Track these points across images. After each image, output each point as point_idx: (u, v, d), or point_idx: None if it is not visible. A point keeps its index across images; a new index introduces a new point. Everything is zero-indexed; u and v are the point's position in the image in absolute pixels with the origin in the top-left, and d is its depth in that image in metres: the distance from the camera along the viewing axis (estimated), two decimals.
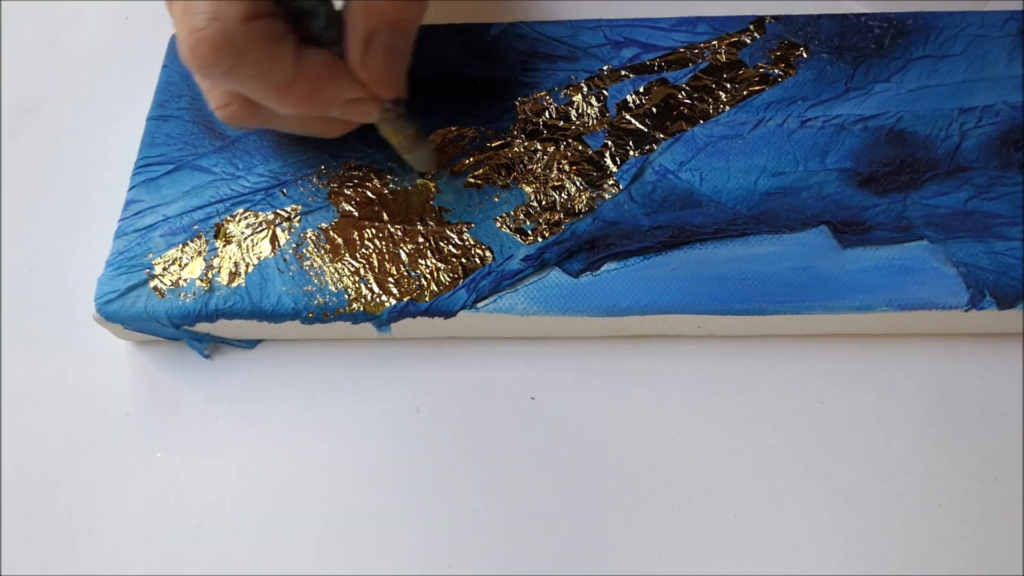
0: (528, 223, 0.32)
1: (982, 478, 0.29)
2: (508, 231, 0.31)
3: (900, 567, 0.28)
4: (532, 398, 0.31)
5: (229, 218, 0.33)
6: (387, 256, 0.31)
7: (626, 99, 0.34)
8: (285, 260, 0.32)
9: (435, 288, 0.31)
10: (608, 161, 0.33)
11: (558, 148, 0.33)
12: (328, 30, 0.27)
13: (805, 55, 0.35)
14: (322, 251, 0.32)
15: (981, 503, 0.29)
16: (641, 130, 0.33)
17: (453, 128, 0.34)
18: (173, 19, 0.27)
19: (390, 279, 0.31)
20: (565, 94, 0.34)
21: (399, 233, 0.32)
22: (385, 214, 0.32)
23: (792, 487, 0.29)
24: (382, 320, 0.31)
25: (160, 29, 0.40)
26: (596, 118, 0.34)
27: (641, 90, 0.34)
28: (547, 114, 0.34)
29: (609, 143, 0.33)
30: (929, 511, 0.29)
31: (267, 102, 0.28)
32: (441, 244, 0.31)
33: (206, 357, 0.33)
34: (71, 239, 0.36)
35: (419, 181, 0.33)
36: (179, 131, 0.35)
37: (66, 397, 0.32)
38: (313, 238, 0.32)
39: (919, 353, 0.31)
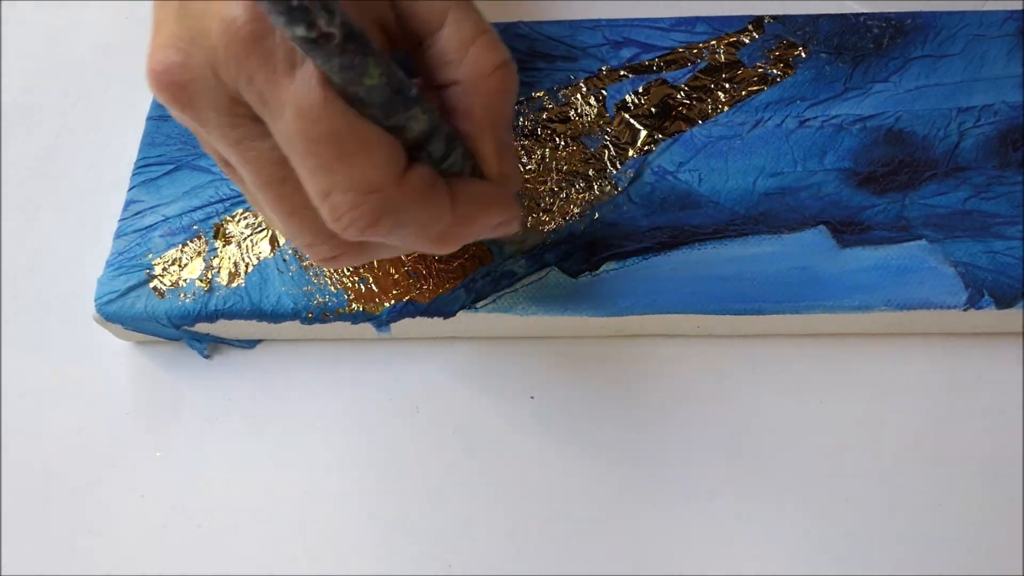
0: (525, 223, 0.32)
1: (982, 478, 0.29)
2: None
3: (900, 567, 0.28)
4: (532, 397, 0.31)
5: (229, 218, 0.33)
6: (386, 256, 0.31)
7: (625, 99, 0.34)
8: (285, 260, 0.32)
9: (434, 288, 0.31)
10: (607, 162, 0.33)
11: (556, 149, 0.33)
12: (449, 151, 0.23)
13: (804, 55, 0.35)
14: None
15: (981, 503, 0.29)
16: (640, 130, 0.33)
17: None
18: (289, 217, 0.23)
19: (390, 279, 0.31)
20: (564, 94, 0.34)
21: None
22: None
23: (792, 487, 0.29)
24: (381, 320, 0.31)
25: None
26: (595, 118, 0.34)
27: (640, 90, 0.34)
28: (545, 114, 0.34)
29: (608, 144, 0.33)
30: (929, 511, 0.29)
31: (421, 250, 0.25)
32: None
33: (206, 357, 0.33)
34: (71, 239, 0.36)
35: None
36: (179, 131, 0.35)
37: (66, 397, 0.32)
38: None
39: (918, 352, 0.31)
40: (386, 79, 0.20)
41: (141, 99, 0.37)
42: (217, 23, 0.20)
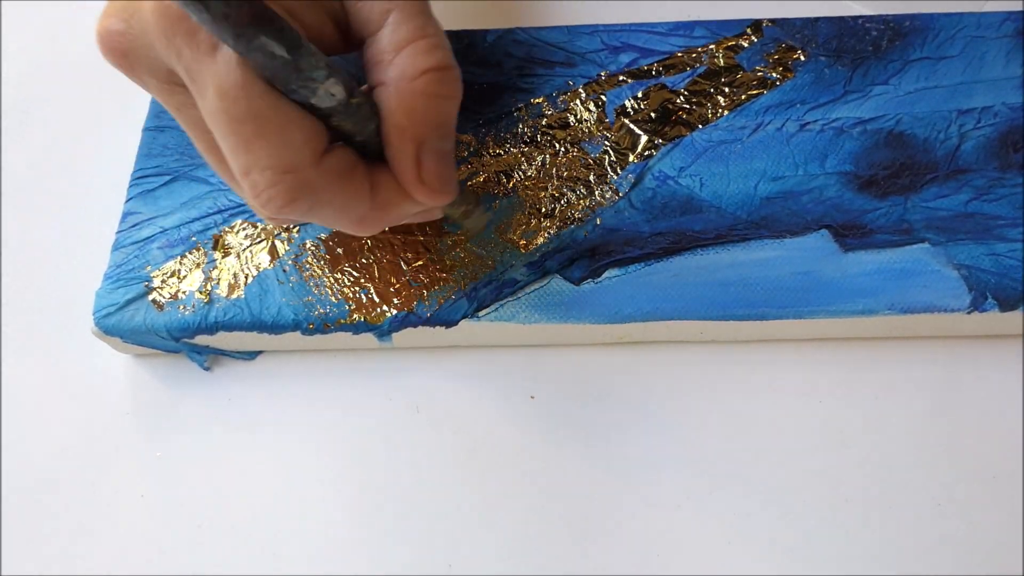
0: (528, 231, 0.31)
1: (982, 478, 0.29)
2: (508, 239, 0.31)
3: (900, 567, 0.28)
4: (532, 397, 0.31)
5: (227, 229, 0.32)
6: (387, 266, 0.31)
7: (624, 104, 0.34)
8: (284, 271, 0.31)
9: (436, 297, 0.30)
10: (607, 167, 0.33)
11: (556, 155, 0.33)
12: (374, 139, 0.24)
13: (803, 58, 0.34)
14: (322, 261, 0.31)
15: (981, 503, 0.29)
16: (640, 135, 0.33)
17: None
18: (229, 182, 0.25)
19: (391, 289, 0.31)
20: (563, 100, 0.34)
21: (399, 243, 0.32)
22: None
23: (792, 487, 0.29)
24: (383, 330, 0.30)
25: None
26: (594, 124, 0.34)
27: (639, 95, 0.34)
28: (545, 120, 0.34)
29: (608, 149, 0.33)
30: (929, 511, 0.29)
31: (341, 229, 0.26)
32: (441, 253, 0.31)
33: (206, 369, 0.32)
34: (70, 243, 0.35)
35: None
36: (175, 142, 0.34)
37: (66, 409, 0.32)
38: (312, 248, 0.32)
39: (921, 355, 0.31)
40: (289, 57, 0.20)
41: (141, 99, 0.36)
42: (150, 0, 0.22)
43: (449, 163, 0.24)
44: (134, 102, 0.37)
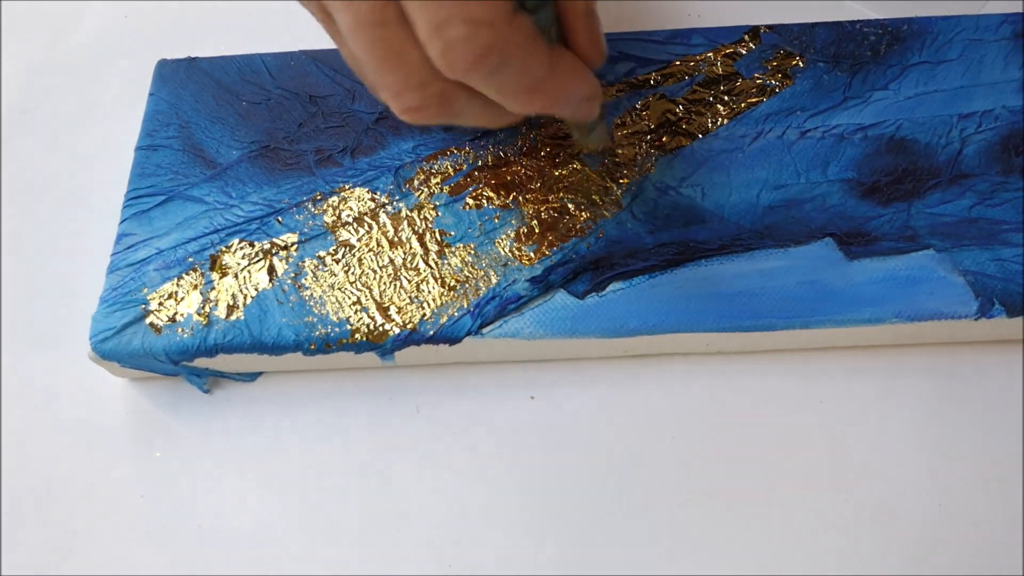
0: (529, 244, 0.31)
1: (982, 478, 0.29)
2: (510, 253, 0.31)
3: (900, 567, 0.28)
4: (532, 397, 0.31)
5: (224, 249, 0.32)
6: (388, 283, 0.31)
7: (623, 115, 0.34)
8: (284, 291, 0.31)
9: (439, 315, 0.30)
10: (608, 179, 0.32)
11: (557, 167, 0.33)
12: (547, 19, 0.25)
13: (801, 64, 0.34)
14: (321, 280, 0.31)
15: (981, 503, 0.29)
16: (640, 146, 0.33)
17: (452, 149, 0.33)
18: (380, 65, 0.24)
19: (392, 307, 0.30)
20: None
21: (400, 259, 0.31)
22: (384, 239, 0.32)
23: (793, 487, 0.29)
24: (386, 349, 0.30)
25: (159, 28, 0.40)
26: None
27: (638, 106, 0.34)
28: (544, 132, 0.33)
29: (608, 161, 0.33)
30: (929, 511, 0.29)
31: (509, 102, 0.25)
32: (443, 269, 0.31)
33: (206, 392, 0.32)
34: (69, 247, 0.35)
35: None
36: (169, 160, 0.34)
37: (63, 433, 0.32)
38: (312, 267, 0.31)
39: (927, 361, 0.31)
40: None
41: (141, 98, 0.36)
42: None
43: (600, 26, 0.27)
44: (137, 92, 0.37)
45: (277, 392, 0.32)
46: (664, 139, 0.33)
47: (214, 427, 0.31)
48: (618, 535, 0.29)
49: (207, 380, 0.32)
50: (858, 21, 0.35)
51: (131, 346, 0.30)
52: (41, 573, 0.29)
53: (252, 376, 0.32)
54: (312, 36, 0.39)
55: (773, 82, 0.34)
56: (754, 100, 0.34)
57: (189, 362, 0.31)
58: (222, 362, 0.31)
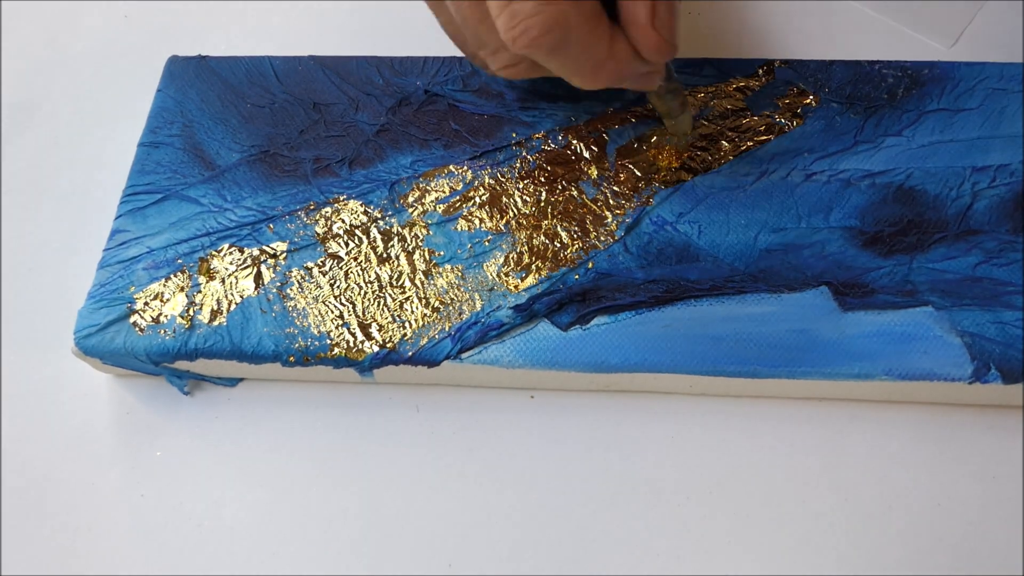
0: (518, 271, 0.31)
1: (982, 478, 0.29)
2: (497, 278, 0.30)
3: (900, 567, 0.28)
4: (531, 397, 0.31)
5: (214, 253, 0.32)
6: (372, 300, 0.30)
7: (626, 144, 0.33)
8: (268, 300, 0.31)
9: (420, 336, 0.30)
10: (604, 209, 0.32)
11: (553, 192, 0.32)
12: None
13: (814, 104, 0.33)
14: (306, 291, 0.31)
15: (981, 503, 0.28)
16: (640, 178, 0.32)
17: (450, 167, 0.33)
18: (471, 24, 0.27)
19: (374, 324, 0.30)
20: (563, 136, 0.33)
21: (386, 276, 0.31)
22: (373, 254, 0.31)
23: (793, 487, 0.29)
24: (364, 367, 0.30)
25: (160, 28, 0.40)
26: (594, 163, 0.33)
27: (642, 136, 0.33)
28: (544, 156, 0.33)
29: (606, 190, 0.32)
30: (929, 511, 0.28)
31: (573, 78, 0.27)
32: (428, 290, 0.30)
33: (186, 394, 0.32)
34: (68, 246, 0.36)
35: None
36: (169, 159, 0.34)
37: (51, 427, 0.32)
38: (298, 277, 0.31)
39: (917, 419, 0.30)
40: None
41: (140, 99, 0.36)
42: None
43: (678, 19, 0.27)
44: (137, 92, 0.37)
45: (277, 390, 0.32)
46: (665, 172, 0.32)
47: (203, 426, 0.31)
48: (618, 535, 0.29)
49: (188, 382, 0.32)
50: (878, 62, 0.34)
51: (113, 344, 0.30)
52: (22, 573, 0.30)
53: (233, 381, 0.32)
54: (313, 40, 0.39)
55: (783, 120, 0.33)
56: (762, 138, 0.33)
57: (170, 364, 0.31)
58: (203, 366, 0.31)
